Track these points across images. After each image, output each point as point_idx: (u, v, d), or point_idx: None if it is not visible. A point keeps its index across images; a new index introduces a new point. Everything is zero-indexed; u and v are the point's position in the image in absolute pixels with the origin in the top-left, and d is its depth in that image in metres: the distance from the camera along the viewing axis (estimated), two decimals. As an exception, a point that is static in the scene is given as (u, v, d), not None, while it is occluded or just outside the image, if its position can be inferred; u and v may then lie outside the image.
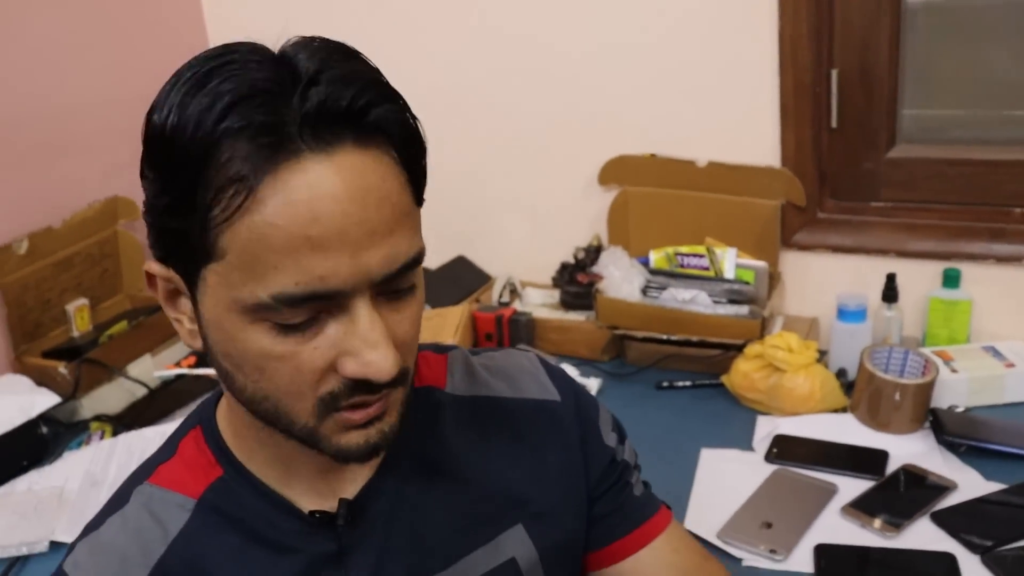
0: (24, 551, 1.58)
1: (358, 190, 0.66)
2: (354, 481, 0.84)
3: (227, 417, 0.84)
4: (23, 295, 1.97)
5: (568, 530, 0.94)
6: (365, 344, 0.69)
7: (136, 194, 2.35)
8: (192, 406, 1.84)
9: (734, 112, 1.94)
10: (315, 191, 0.65)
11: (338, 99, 0.66)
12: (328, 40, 0.71)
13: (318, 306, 0.69)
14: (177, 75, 0.69)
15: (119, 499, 0.84)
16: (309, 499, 0.83)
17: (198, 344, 0.75)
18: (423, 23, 2.16)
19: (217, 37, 2.37)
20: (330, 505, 0.83)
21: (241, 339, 0.70)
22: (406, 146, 0.70)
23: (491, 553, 0.88)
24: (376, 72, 0.70)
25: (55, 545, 1.59)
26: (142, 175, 0.72)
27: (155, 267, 0.74)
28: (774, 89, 1.88)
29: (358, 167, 0.67)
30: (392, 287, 0.71)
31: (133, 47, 2.22)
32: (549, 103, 2.10)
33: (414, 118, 0.71)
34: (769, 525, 1.44)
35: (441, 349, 0.95)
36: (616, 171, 2.06)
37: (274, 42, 0.71)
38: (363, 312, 0.69)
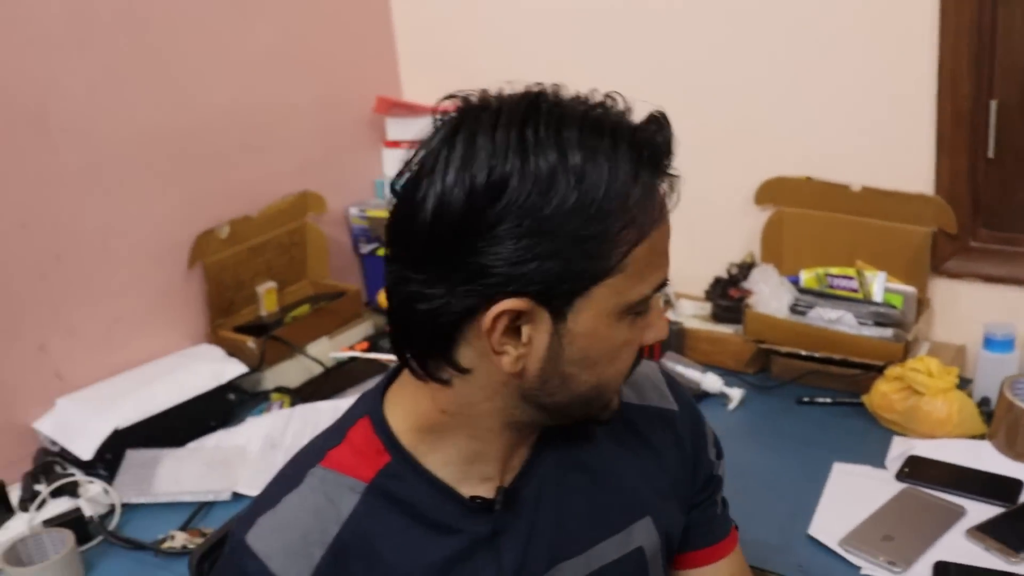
0: (210, 498, 1.79)
1: None
2: (511, 471, 0.95)
3: (403, 414, 0.93)
4: (221, 275, 2.20)
5: (677, 527, 1.04)
6: (659, 316, 0.90)
7: (323, 189, 2.52)
8: (362, 386, 2.03)
9: (890, 138, 1.98)
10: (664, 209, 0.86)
11: (666, 140, 0.86)
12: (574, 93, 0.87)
13: None
14: (539, 139, 0.80)
15: (292, 479, 0.92)
16: (469, 486, 0.92)
17: (519, 367, 0.85)
18: (593, 48, 2.28)
19: (405, 48, 2.57)
20: (486, 491, 0.93)
21: (610, 337, 0.86)
22: None
23: (622, 541, 0.99)
24: None
25: (236, 496, 1.79)
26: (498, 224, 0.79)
27: (514, 303, 0.81)
28: (931, 118, 1.91)
29: None
30: None
31: (322, 59, 2.41)
32: (711, 125, 2.18)
33: None
34: (891, 538, 1.49)
35: None
36: (772, 192, 2.13)
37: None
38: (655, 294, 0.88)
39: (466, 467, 0.92)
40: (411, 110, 2.45)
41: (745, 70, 2.11)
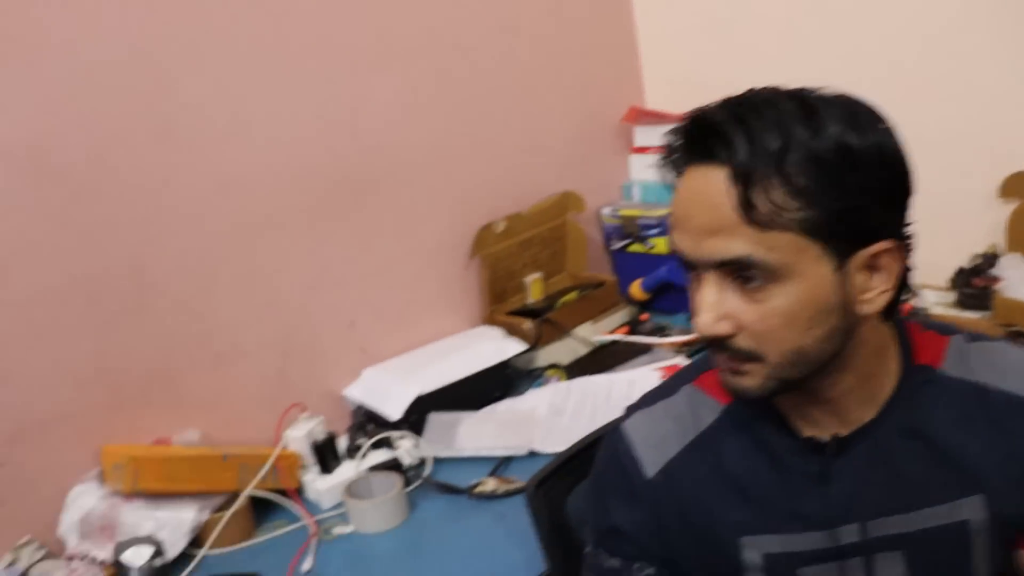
0: (509, 453, 2.01)
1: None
2: (848, 424, 1.03)
3: None
4: (497, 265, 2.46)
5: (1018, 512, 1.04)
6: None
7: (580, 191, 2.76)
8: (625, 365, 2.23)
9: None
10: None
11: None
12: None
13: None
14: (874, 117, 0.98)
15: (669, 390, 1.14)
16: (808, 427, 1.04)
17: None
18: (827, 51, 2.43)
19: (649, 62, 2.80)
20: (822, 435, 1.03)
21: None
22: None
23: (949, 511, 1.03)
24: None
25: (532, 453, 2.01)
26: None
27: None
28: None
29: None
30: (735, 274, 0.94)
31: (577, 74, 2.67)
32: (954, 120, 2.31)
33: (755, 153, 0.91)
34: None
35: (944, 330, 1.09)
36: (1018, 185, 2.23)
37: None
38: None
39: (808, 408, 1.04)
40: (659, 118, 2.66)
41: (985, 68, 2.23)
